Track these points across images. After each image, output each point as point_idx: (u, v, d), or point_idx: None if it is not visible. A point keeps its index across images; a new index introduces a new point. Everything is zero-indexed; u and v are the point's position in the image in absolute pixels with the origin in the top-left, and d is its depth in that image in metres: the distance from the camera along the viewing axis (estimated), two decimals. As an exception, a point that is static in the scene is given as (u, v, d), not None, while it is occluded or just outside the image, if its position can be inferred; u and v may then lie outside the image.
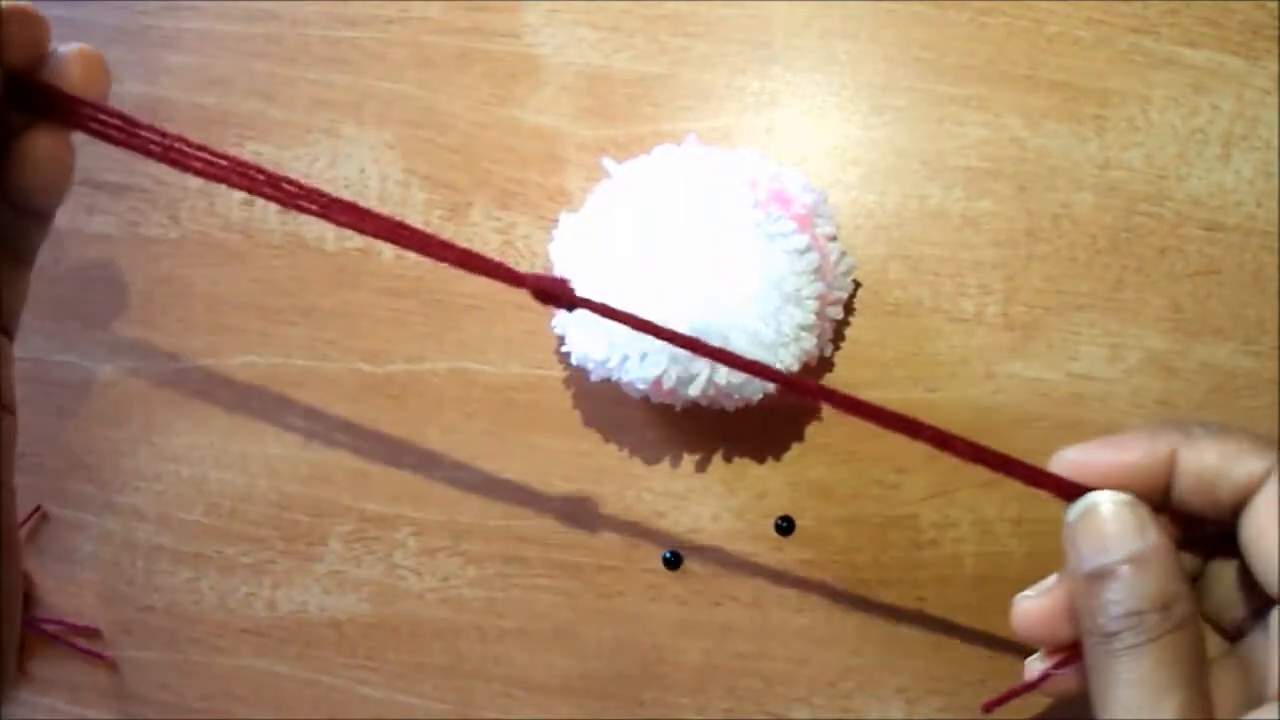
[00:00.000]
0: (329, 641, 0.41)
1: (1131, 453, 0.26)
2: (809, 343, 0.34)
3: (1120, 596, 0.25)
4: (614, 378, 0.35)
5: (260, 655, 0.42)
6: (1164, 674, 0.24)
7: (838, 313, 0.37)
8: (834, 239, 0.36)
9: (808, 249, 0.34)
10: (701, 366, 0.33)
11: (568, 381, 0.40)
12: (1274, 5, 0.38)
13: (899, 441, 0.38)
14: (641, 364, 0.34)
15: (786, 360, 0.34)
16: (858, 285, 0.39)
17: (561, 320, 0.36)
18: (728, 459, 0.39)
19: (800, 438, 0.39)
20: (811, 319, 0.34)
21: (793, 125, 0.40)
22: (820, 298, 0.34)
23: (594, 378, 0.36)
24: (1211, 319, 0.37)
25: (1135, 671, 0.24)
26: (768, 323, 0.33)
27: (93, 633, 0.43)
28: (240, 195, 0.43)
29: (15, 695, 0.43)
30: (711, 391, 0.34)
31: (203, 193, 0.43)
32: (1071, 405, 0.38)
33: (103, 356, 0.43)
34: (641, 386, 0.34)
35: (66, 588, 0.43)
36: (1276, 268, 0.37)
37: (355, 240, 0.42)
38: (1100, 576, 0.25)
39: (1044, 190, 0.38)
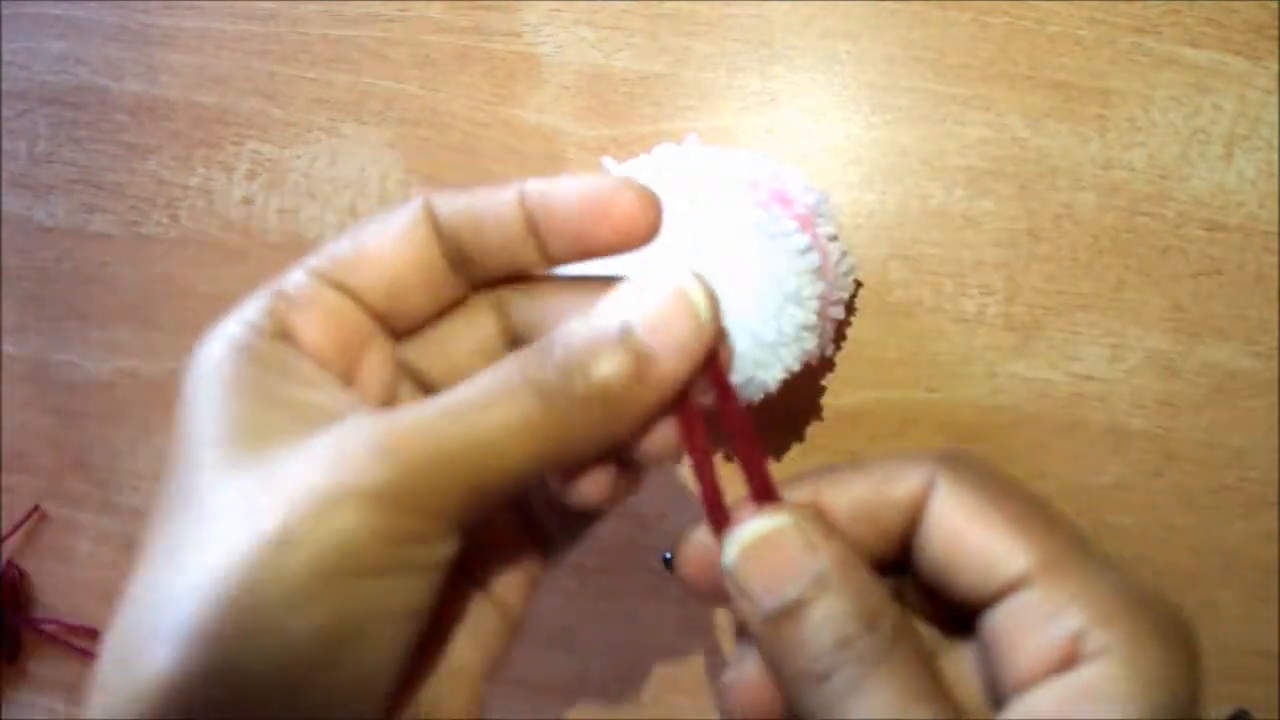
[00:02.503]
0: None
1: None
2: (810, 343, 0.34)
3: (819, 631, 0.21)
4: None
5: (259, 656, 0.41)
6: (901, 698, 0.21)
7: (839, 313, 0.37)
8: (835, 239, 0.36)
9: (809, 249, 0.34)
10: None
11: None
12: (1275, 5, 0.38)
13: (899, 441, 0.38)
14: (642, 364, 0.34)
15: (787, 360, 0.34)
16: (859, 285, 0.39)
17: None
18: (728, 458, 0.39)
19: (801, 438, 0.39)
20: (813, 319, 0.34)
21: (793, 125, 0.40)
22: (821, 298, 0.34)
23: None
24: (1213, 319, 0.37)
25: (869, 707, 0.21)
26: (768, 323, 0.33)
27: (91, 633, 0.43)
28: (240, 194, 0.43)
29: (14, 695, 0.43)
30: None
31: (202, 192, 0.43)
32: (1072, 405, 0.38)
33: (103, 356, 0.43)
34: (642, 386, 0.34)
35: (65, 588, 0.43)
36: (1278, 268, 0.37)
37: (355, 240, 0.42)
38: (787, 616, 0.21)
39: (1045, 190, 0.38)
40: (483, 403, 0.20)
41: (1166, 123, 0.38)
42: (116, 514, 0.43)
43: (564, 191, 0.24)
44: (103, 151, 0.44)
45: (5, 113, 0.44)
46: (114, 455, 0.43)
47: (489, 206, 0.24)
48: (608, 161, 0.36)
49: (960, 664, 0.24)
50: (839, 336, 0.38)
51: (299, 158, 0.42)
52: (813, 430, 0.39)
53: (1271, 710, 0.36)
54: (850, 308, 0.38)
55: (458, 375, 0.24)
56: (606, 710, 0.39)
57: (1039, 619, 0.21)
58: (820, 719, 0.21)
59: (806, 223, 0.35)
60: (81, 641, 0.42)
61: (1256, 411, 0.37)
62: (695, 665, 0.39)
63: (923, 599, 0.25)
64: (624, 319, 0.22)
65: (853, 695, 0.21)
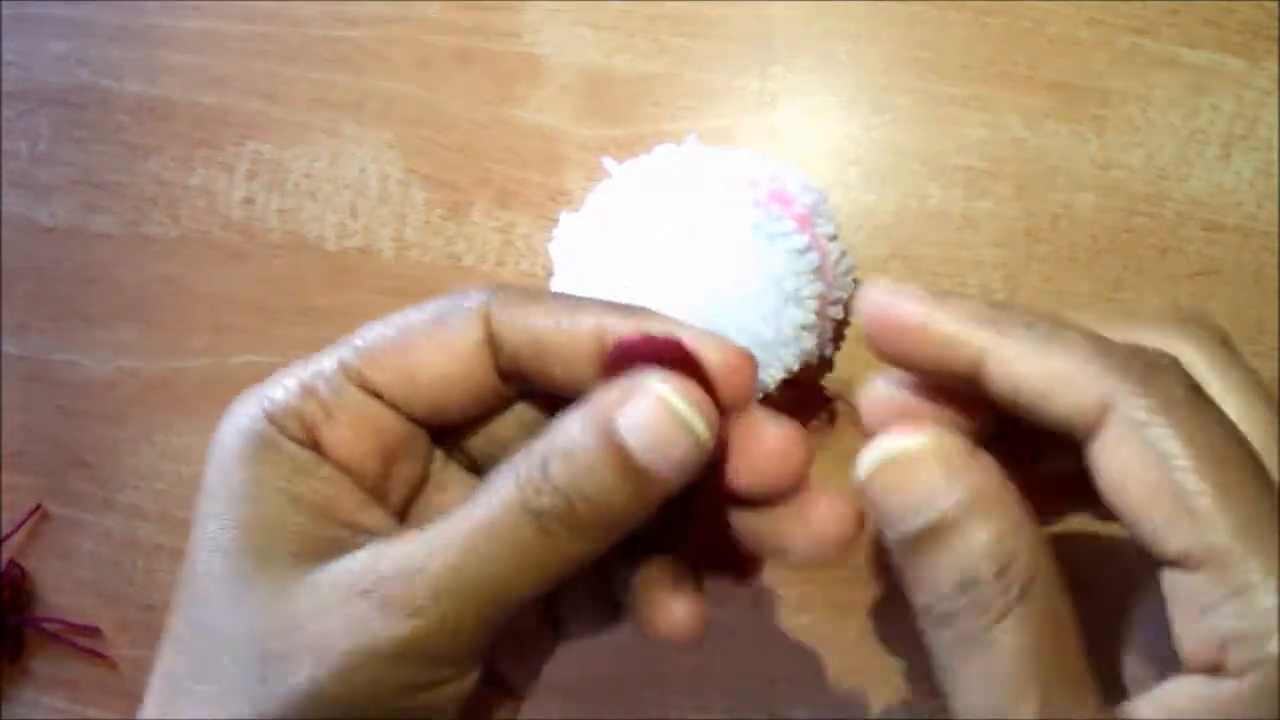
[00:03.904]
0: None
1: (941, 335, 0.21)
2: (809, 342, 0.34)
3: (946, 566, 0.19)
4: (614, 378, 0.35)
5: (260, 654, 0.42)
6: (1017, 668, 0.19)
7: (838, 313, 0.37)
8: (834, 239, 0.36)
9: (808, 249, 0.34)
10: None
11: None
12: (1274, 5, 0.38)
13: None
14: (641, 364, 0.34)
15: (786, 360, 0.34)
16: (858, 285, 0.39)
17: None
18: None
19: (800, 438, 0.39)
20: (812, 319, 0.34)
21: (793, 125, 0.40)
22: (820, 298, 0.34)
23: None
24: (1211, 319, 0.37)
25: (983, 671, 0.19)
26: (768, 323, 0.33)
27: (93, 632, 0.43)
28: (240, 194, 0.43)
29: (16, 694, 0.43)
30: (711, 391, 0.34)
31: (203, 192, 0.43)
32: (1071, 405, 0.38)
33: (103, 356, 0.43)
34: (641, 386, 0.34)
35: (66, 586, 0.43)
36: (1276, 268, 0.37)
37: (355, 240, 0.42)
38: (916, 545, 0.20)
39: (1044, 190, 0.38)
40: (487, 537, 0.20)
41: (1165, 123, 0.38)
42: (118, 513, 0.43)
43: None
44: (104, 152, 0.44)
45: (6, 113, 0.45)
46: (115, 454, 0.43)
47: (559, 338, 0.22)
48: (608, 162, 0.36)
49: (1149, 612, 0.22)
50: (838, 336, 0.39)
51: (299, 158, 0.42)
52: (813, 430, 0.39)
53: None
54: (849, 308, 0.38)
55: (494, 446, 0.24)
56: (607, 710, 0.39)
57: (1193, 605, 0.19)
58: (942, 665, 0.20)
59: (805, 222, 0.35)
60: (83, 640, 0.42)
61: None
62: (695, 665, 0.39)
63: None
64: (621, 439, 0.20)
65: (971, 648, 0.19)
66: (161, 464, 0.43)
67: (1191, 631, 0.19)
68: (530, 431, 0.24)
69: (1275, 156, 0.37)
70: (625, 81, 0.41)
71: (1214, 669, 0.18)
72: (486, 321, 0.22)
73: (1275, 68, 0.38)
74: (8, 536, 0.43)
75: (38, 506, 0.43)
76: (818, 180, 0.39)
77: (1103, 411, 0.20)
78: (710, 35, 0.40)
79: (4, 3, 0.45)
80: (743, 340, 0.33)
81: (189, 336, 0.43)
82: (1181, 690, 0.19)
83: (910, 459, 0.20)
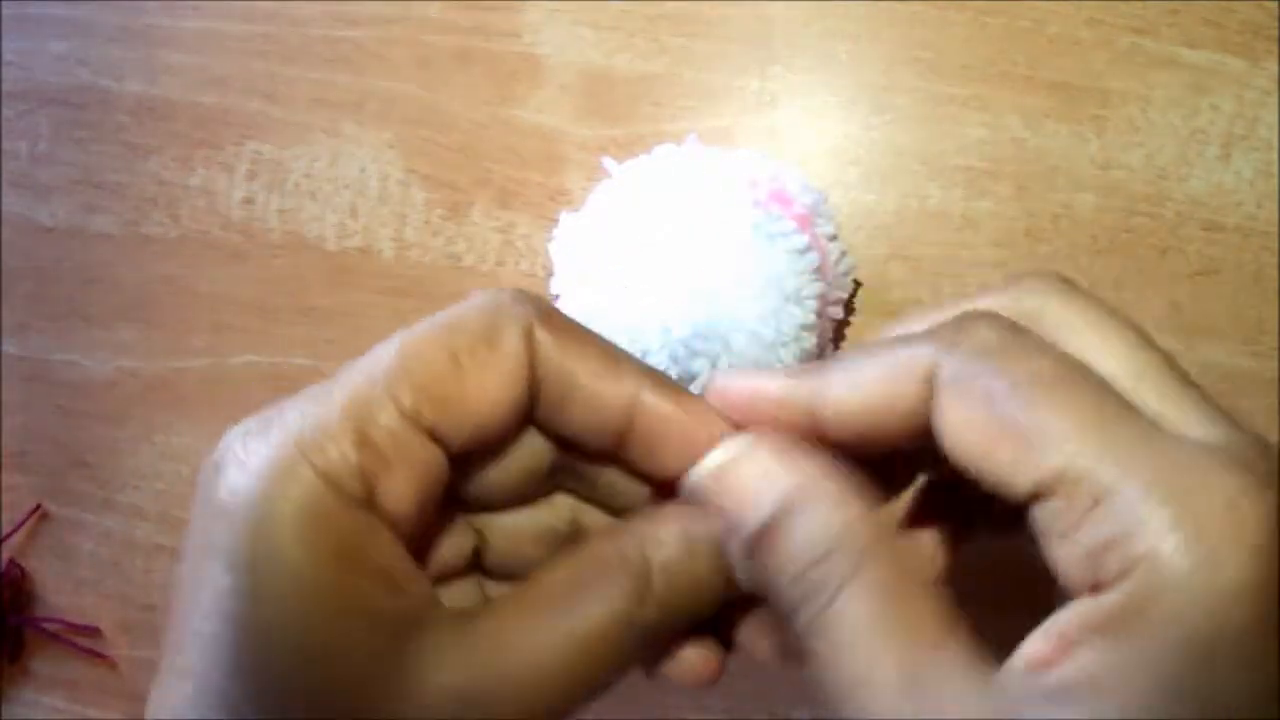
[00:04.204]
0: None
1: (767, 406, 0.21)
2: (809, 342, 0.34)
3: (792, 549, 0.19)
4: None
5: (260, 654, 0.42)
6: (868, 630, 0.19)
7: (838, 312, 0.37)
8: (834, 239, 0.36)
9: (808, 249, 0.34)
10: (701, 366, 0.33)
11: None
12: (1274, 5, 0.38)
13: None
14: (641, 364, 0.34)
15: (786, 360, 0.34)
16: (858, 285, 0.39)
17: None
18: None
19: (800, 438, 0.39)
20: (812, 319, 0.34)
21: (793, 125, 0.40)
22: (820, 297, 0.34)
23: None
24: (1211, 319, 0.37)
25: (839, 641, 0.19)
26: (768, 323, 0.33)
27: (93, 632, 0.43)
28: (240, 194, 0.43)
29: (16, 694, 0.43)
30: (711, 391, 0.34)
31: (203, 192, 0.43)
32: (1071, 405, 0.38)
33: (103, 356, 0.43)
34: (641, 386, 0.34)
35: (66, 587, 0.43)
36: (1276, 268, 0.37)
37: (355, 240, 0.42)
38: (760, 539, 0.20)
39: (1044, 190, 0.38)
40: (590, 655, 0.20)
41: (1165, 123, 0.38)
42: (118, 513, 0.43)
43: (673, 423, 0.22)
44: (104, 152, 0.44)
45: (6, 113, 0.45)
46: (115, 454, 0.43)
47: (594, 391, 0.21)
48: (608, 162, 0.36)
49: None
50: (838, 336, 0.39)
51: (299, 158, 0.42)
52: (812, 430, 0.39)
53: (1269, 709, 0.36)
54: (849, 308, 0.38)
55: (501, 486, 0.23)
56: (606, 710, 0.39)
57: (1061, 530, 0.18)
58: (809, 652, 0.20)
59: (805, 222, 0.35)
60: (83, 640, 0.42)
61: (1256, 411, 0.37)
62: (695, 664, 0.39)
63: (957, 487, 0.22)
64: (729, 562, 0.20)
65: (825, 622, 0.19)
66: (161, 464, 0.43)
67: (1064, 559, 0.18)
68: (533, 472, 0.23)
69: (1275, 156, 0.37)
70: (625, 81, 0.41)
71: (1095, 587, 0.18)
72: (529, 340, 0.21)
73: (1275, 68, 0.38)
74: (8, 536, 0.43)
75: (38, 506, 0.43)
76: (818, 180, 0.39)
77: (929, 387, 0.20)
78: (710, 35, 0.40)
79: (4, 3, 0.45)
80: (742, 340, 0.33)
81: (189, 336, 0.43)
82: (1067, 614, 0.18)
83: (742, 458, 0.21)
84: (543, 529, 0.24)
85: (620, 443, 0.22)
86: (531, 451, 0.23)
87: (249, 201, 0.43)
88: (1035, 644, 0.18)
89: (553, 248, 0.36)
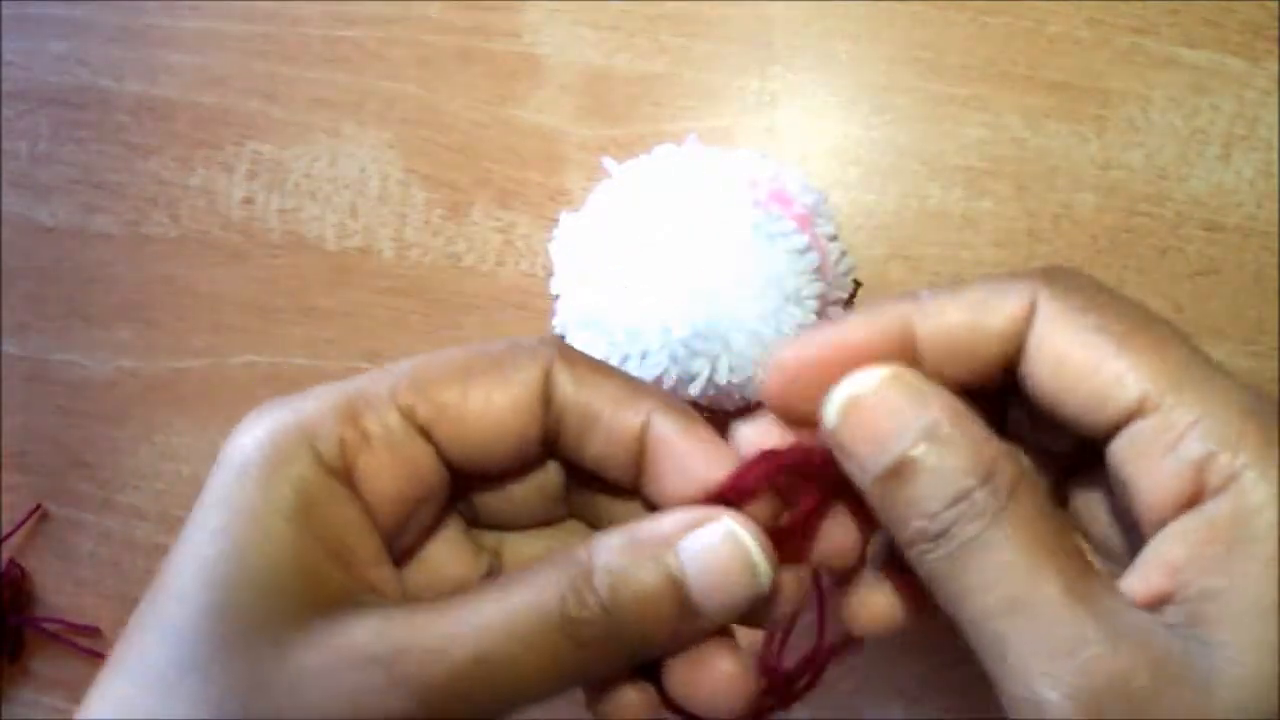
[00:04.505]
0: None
1: (858, 335, 0.21)
2: (809, 343, 0.34)
3: (932, 487, 0.20)
4: (614, 378, 0.35)
5: (260, 655, 0.42)
6: (1026, 555, 0.19)
7: (838, 313, 0.37)
8: (834, 239, 0.36)
9: (808, 249, 0.34)
10: (702, 366, 0.33)
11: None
12: (1274, 5, 0.38)
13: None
14: (642, 364, 0.34)
15: (786, 360, 0.34)
16: (858, 285, 0.39)
17: (561, 320, 0.36)
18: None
19: (800, 438, 0.39)
20: (812, 319, 0.34)
21: (793, 125, 0.40)
22: (820, 297, 0.34)
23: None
24: (1211, 319, 0.37)
25: (992, 568, 0.19)
26: (768, 322, 0.33)
27: (93, 632, 0.43)
28: (240, 194, 0.43)
29: (16, 694, 0.43)
30: (712, 391, 0.34)
31: (203, 192, 0.43)
32: (1071, 405, 0.38)
33: (103, 356, 0.43)
34: (641, 386, 0.34)
35: (66, 587, 0.43)
36: (1276, 268, 0.37)
37: (355, 240, 0.42)
38: (896, 475, 0.20)
39: (1044, 190, 0.38)
40: (518, 638, 0.19)
41: (1165, 123, 0.38)
42: (118, 513, 0.43)
43: (690, 451, 0.22)
44: (104, 152, 0.44)
45: (6, 113, 0.45)
46: (115, 454, 0.43)
47: (610, 419, 0.22)
48: (608, 162, 0.36)
49: (1093, 502, 0.23)
50: (838, 336, 0.38)
51: (299, 158, 0.42)
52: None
53: (1270, 709, 0.36)
54: (849, 308, 0.38)
55: (507, 505, 0.23)
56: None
57: (1159, 447, 0.19)
58: (944, 582, 0.20)
59: (805, 222, 0.35)
60: (83, 640, 0.42)
61: (1255, 411, 0.37)
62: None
63: (1043, 431, 0.23)
64: (681, 576, 0.20)
65: (973, 552, 0.19)
66: (161, 464, 0.43)
67: (1160, 472, 0.19)
68: (548, 496, 0.24)
69: (1275, 156, 0.37)
70: (625, 81, 0.41)
71: (1191, 501, 0.19)
72: (547, 376, 0.22)
73: (1275, 68, 0.38)
74: (8, 536, 0.43)
75: (38, 506, 0.43)
76: (818, 180, 0.38)
77: (1028, 315, 0.21)
78: (710, 35, 0.40)
79: (4, 3, 0.45)
80: (742, 340, 0.33)
81: (189, 336, 0.43)
82: (1167, 538, 0.19)
83: (874, 393, 0.21)
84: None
85: (638, 473, 0.22)
86: (545, 477, 0.23)
87: (249, 201, 0.43)
88: (1138, 583, 0.19)
89: (553, 248, 0.36)
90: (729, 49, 0.40)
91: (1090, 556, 0.22)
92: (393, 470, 0.21)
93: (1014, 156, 0.39)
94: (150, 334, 0.43)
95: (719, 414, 0.37)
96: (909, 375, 0.21)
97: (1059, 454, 0.24)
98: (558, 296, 0.36)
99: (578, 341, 0.35)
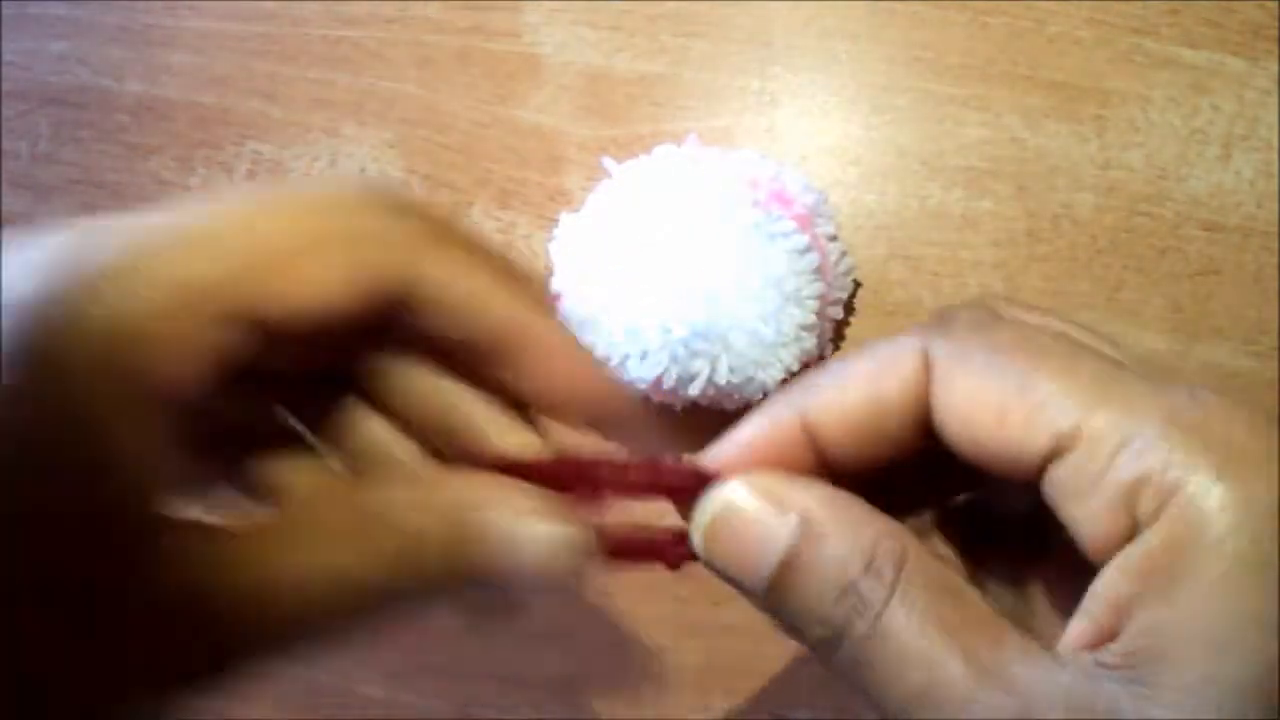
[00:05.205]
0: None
1: (752, 444, 0.20)
2: (809, 343, 0.34)
3: (816, 587, 0.19)
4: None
5: (260, 655, 0.42)
6: (924, 640, 0.18)
7: (838, 313, 0.37)
8: (834, 239, 0.36)
9: (808, 249, 0.34)
10: (701, 366, 0.33)
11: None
12: (1274, 5, 0.38)
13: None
14: (641, 363, 0.34)
15: (786, 360, 0.34)
16: (858, 285, 0.39)
17: (561, 319, 0.36)
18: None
19: (800, 438, 0.39)
20: (812, 319, 0.34)
21: (793, 125, 0.40)
22: (820, 298, 0.34)
23: (594, 377, 0.36)
24: (1212, 319, 0.37)
25: (894, 660, 0.18)
26: (768, 323, 0.33)
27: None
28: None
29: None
30: (711, 391, 0.34)
31: (203, 192, 0.43)
32: (1071, 405, 0.38)
33: (103, 356, 0.43)
34: (641, 386, 0.34)
35: (66, 587, 0.43)
36: (1276, 268, 0.37)
37: (355, 240, 0.42)
38: (779, 588, 0.19)
39: (1044, 190, 0.38)
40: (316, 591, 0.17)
41: (1165, 123, 0.38)
42: (117, 513, 0.43)
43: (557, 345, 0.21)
44: (104, 152, 0.44)
45: (6, 113, 0.45)
46: (115, 455, 0.43)
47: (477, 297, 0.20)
48: (608, 162, 0.36)
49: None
50: (838, 337, 0.39)
51: (299, 158, 0.42)
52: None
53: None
54: (849, 308, 0.38)
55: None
56: (606, 710, 0.39)
57: (1087, 484, 0.18)
58: (856, 682, 0.19)
59: (805, 223, 0.35)
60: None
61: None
62: (695, 665, 0.39)
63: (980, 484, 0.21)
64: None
65: (872, 648, 0.18)
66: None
67: (1091, 515, 0.18)
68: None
69: (1275, 156, 0.37)
70: (625, 81, 0.41)
71: (1131, 532, 0.18)
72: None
73: (1275, 68, 0.38)
74: (7, 536, 0.43)
75: (37, 506, 0.43)
76: (818, 180, 0.39)
77: (924, 373, 0.20)
78: (710, 35, 0.40)
79: (4, 3, 0.45)
80: (742, 340, 0.33)
81: (189, 336, 0.43)
82: (1109, 579, 0.18)
83: (730, 510, 0.20)
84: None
85: (488, 357, 0.20)
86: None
87: (249, 201, 0.43)
88: (1083, 625, 0.18)
89: (553, 248, 0.36)
90: (729, 49, 0.40)
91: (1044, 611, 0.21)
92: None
93: (1014, 156, 0.39)
94: (150, 334, 0.43)
95: (719, 414, 0.37)
96: (762, 480, 0.20)
97: (995, 502, 0.23)
98: (557, 296, 0.36)
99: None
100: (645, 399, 0.36)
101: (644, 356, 0.34)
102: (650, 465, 0.21)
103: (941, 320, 0.20)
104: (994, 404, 0.19)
